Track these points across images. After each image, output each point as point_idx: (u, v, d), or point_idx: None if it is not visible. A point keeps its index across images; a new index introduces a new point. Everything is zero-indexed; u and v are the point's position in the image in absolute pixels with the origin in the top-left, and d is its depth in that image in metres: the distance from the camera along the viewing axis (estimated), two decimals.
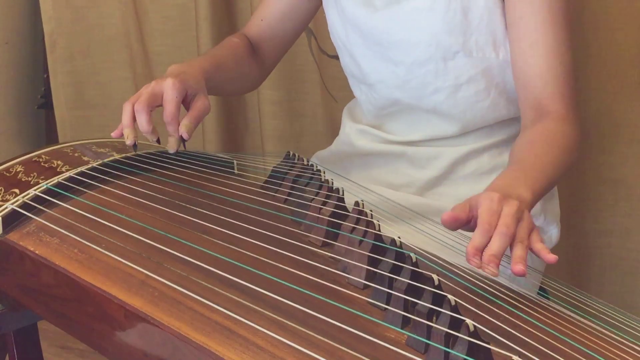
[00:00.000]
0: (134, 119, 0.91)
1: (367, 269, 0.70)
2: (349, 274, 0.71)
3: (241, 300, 0.65)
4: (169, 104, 0.92)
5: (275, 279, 0.68)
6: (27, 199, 0.83)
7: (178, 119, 0.93)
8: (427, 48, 1.00)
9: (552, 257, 0.71)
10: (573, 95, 0.95)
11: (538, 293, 1.00)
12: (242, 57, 1.15)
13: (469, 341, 0.56)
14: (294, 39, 1.24)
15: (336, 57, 1.19)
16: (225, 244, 0.74)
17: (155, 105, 0.92)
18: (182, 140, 0.94)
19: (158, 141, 0.94)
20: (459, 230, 0.92)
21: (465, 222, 0.75)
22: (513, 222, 0.72)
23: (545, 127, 0.92)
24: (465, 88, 1.02)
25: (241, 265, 0.70)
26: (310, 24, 1.20)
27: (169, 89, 0.92)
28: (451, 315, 0.58)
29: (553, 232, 1.07)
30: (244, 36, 1.19)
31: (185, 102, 0.96)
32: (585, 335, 0.66)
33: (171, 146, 0.95)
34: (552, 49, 0.94)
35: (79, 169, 0.89)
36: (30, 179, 0.89)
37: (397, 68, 1.04)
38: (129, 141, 0.91)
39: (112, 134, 0.93)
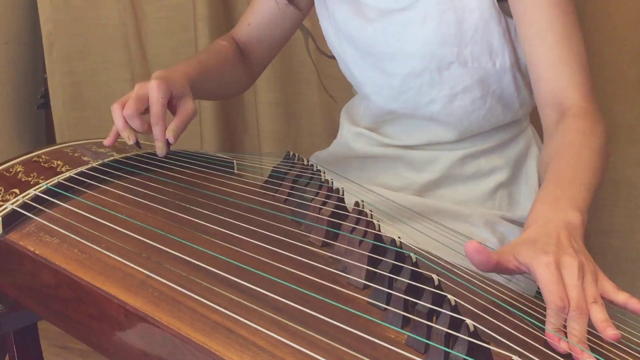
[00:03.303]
0: (124, 118, 0.91)
1: (367, 269, 0.70)
2: (349, 274, 0.71)
3: (241, 300, 0.65)
4: (155, 105, 0.92)
5: (275, 279, 0.68)
6: (27, 199, 0.83)
7: (164, 120, 0.92)
8: (422, 59, 0.99)
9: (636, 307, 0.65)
10: (590, 84, 0.91)
11: (538, 293, 1.00)
12: (230, 61, 1.15)
13: (469, 341, 0.56)
14: (282, 43, 1.23)
15: (334, 57, 1.19)
16: (225, 244, 0.74)
17: (143, 107, 0.92)
18: (167, 143, 0.94)
19: (137, 144, 0.94)
20: (458, 230, 0.93)
21: (498, 269, 0.69)
22: (581, 294, 0.65)
23: (569, 129, 0.86)
24: (461, 97, 1.01)
25: (241, 265, 0.70)
26: (307, 25, 1.20)
27: (154, 90, 0.92)
28: (451, 315, 0.58)
29: None
30: (232, 40, 1.19)
31: (171, 105, 0.95)
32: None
33: (159, 150, 0.94)
34: (561, 36, 0.90)
35: (79, 169, 0.89)
36: (30, 179, 0.89)
37: (392, 79, 1.03)
38: (130, 141, 0.92)
39: (105, 142, 0.94)
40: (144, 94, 0.92)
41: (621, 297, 0.66)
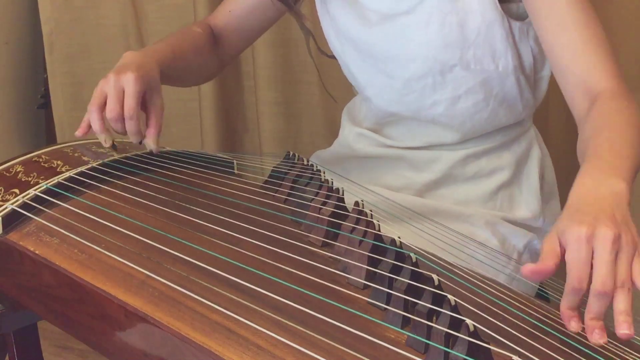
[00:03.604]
0: (102, 120, 0.91)
1: (367, 269, 0.70)
2: (348, 274, 0.71)
3: (241, 300, 0.65)
4: (130, 98, 0.90)
5: (275, 279, 0.68)
6: (27, 199, 0.83)
7: (138, 114, 0.91)
8: (424, 62, 0.98)
9: None
10: (617, 67, 0.88)
11: (538, 293, 1.00)
12: (202, 48, 1.13)
13: (469, 341, 0.56)
14: (258, 34, 1.23)
15: (335, 57, 1.19)
16: (225, 244, 0.74)
17: (122, 104, 0.91)
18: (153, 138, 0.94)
19: (114, 146, 0.95)
20: (459, 230, 0.93)
21: (556, 266, 0.64)
22: (609, 272, 0.60)
23: (605, 109, 0.83)
24: (464, 99, 1.00)
25: (241, 265, 0.70)
26: (309, 25, 1.19)
27: (130, 84, 0.90)
28: (451, 315, 0.58)
29: None
30: (207, 26, 1.18)
31: (144, 101, 0.94)
32: (586, 335, 0.65)
33: (151, 146, 0.95)
34: (582, 23, 0.88)
35: (79, 169, 0.89)
36: (30, 179, 0.89)
37: (394, 82, 1.02)
38: (107, 144, 0.94)
39: (77, 133, 0.93)
40: (121, 88, 0.91)
41: None
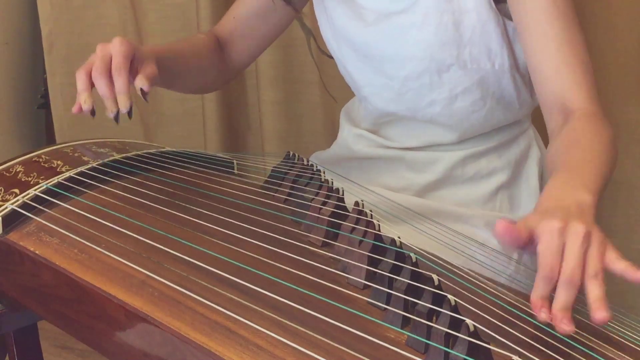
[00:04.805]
0: (91, 85, 0.85)
1: (367, 269, 0.70)
2: (348, 274, 0.71)
3: (241, 300, 0.65)
4: (118, 56, 0.85)
5: (275, 279, 0.68)
6: (27, 199, 0.83)
7: (127, 72, 0.85)
8: (421, 62, 0.98)
9: (638, 276, 0.61)
10: (594, 86, 0.89)
11: None
12: (204, 52, 1.12)
13: (469, 341, 0.56)
14: (266, 42, 1.21)
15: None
16: (225, 244, 0.74)
17: (110, 68, 0.85)
18: (143, 94, 0.85)
19: (93, 112, 0.85)
20: (459, 231, 0.93)
21: (523, 244, 0.65)
22: (579, 264, 0.62)
23: (576, 127, 0.85)
24: (461, 99, 1.00)
25: (241, 265, 0.70)
26: (309, 25, 1.19)
27: (116, 44, 0.86)
28: (451, 315, 0.58)
29: None
30: (212, 33, 1.17)
31: (132, 68, 0.87)
32: (586, 335, 0.66)
33: (122, 104, 0.83)
34: (563, 39, 0.89)
35: (79, 169, 0.89)
36: (30, 179, 0.89)
37: (391, 82, 1.02)
38: (86, 106, 0.85)
39: (73, 110, 0.86)
40: (108, 52, 0.86)
41: (620, 264, 0.62)
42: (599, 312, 0.59)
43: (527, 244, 0.65)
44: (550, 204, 0.69)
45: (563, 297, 0.61)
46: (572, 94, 0.88)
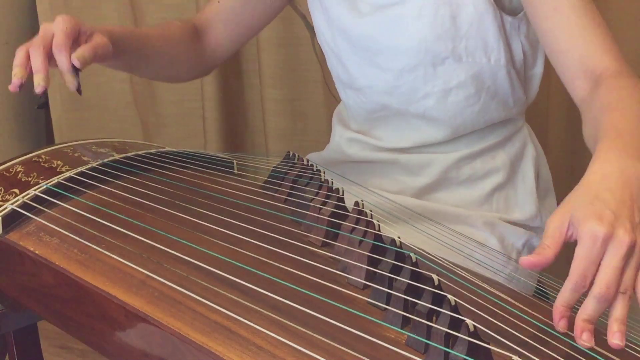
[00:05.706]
0: (27, 59, 0.85)
1: (367, 269, 0.70)
2: (348, 274, 0.71)
3: (241, 300, 0.65)
4: (59, 34, 0.84)
5: (275, 279, 0.68)
6: (27, 199, 0.83)
7: (69, 49, 0.84)
8: (416, 54, 0.98)
9: None
10: (617, 48, 0.86)
11: (537, 292, 1.00)
12: (176, 38, 1.09)
13: (469, 341, 0.56)
14: (249, 32, 1.18)
15: None
16: (225, 244, 0.74)
17: (50, 45, 0.85)
18: (75, 71, 0.84)
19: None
20: (459, 231, 0.93)
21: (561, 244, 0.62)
22: (616, 279, 0.58)
23: (612, 87, 0.80)
24: (455, 93, 1.00)
25: (241, 265, 0.70)
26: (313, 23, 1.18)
27: (59, 22, 0.85)
28: (451, 315, 0.58)
29: None
30: (190, 22, 1.14)
31: (80, 44, 0.87)
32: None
33: (69, 82, 0.84)
34: (579, 7, 0.87)
35: (79, 169, 0.89)
36: (30, 179, 0.89)
37: (386, 74, 1.02)
38: (15, 79, 0.84)
39: (10, 87, 0.84)
40: (50, 30, 0.85)
41: None
42: (616, 337, 0.57)
43: (567, 240, 0.62)
44: (606, 179, 0.64)
45: (591, 309, 0.59)
46: (596, 57, 0.85)
